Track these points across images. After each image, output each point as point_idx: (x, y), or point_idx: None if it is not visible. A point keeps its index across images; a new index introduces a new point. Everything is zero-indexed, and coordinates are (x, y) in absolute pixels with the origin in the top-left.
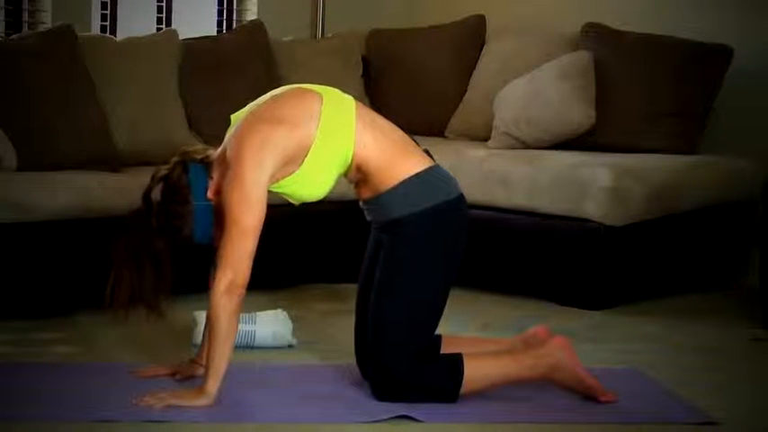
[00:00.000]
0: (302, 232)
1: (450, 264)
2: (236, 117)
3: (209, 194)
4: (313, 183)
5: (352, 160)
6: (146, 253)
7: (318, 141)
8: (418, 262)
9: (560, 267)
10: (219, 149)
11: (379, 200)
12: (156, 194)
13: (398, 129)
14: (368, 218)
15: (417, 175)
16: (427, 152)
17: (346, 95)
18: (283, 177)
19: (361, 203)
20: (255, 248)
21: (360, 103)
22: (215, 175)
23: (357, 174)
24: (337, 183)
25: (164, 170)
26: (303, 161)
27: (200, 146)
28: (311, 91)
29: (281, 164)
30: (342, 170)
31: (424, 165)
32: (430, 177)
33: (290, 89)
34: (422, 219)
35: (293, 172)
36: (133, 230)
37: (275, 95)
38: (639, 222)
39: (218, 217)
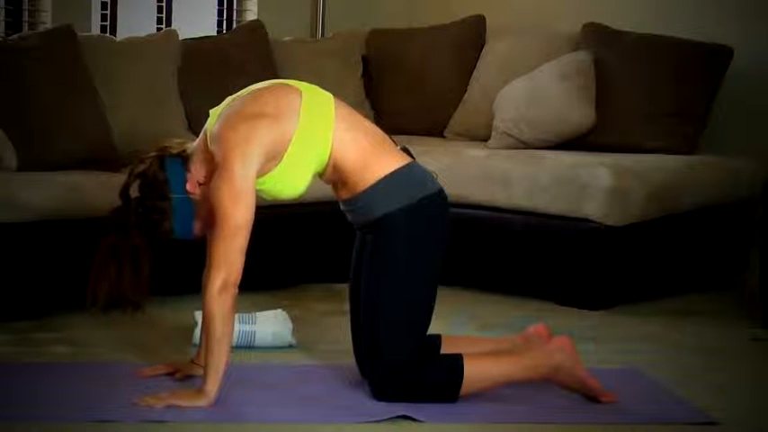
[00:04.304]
0: (302, 232)
1: (436, 258)
2: (215, 112)
3: (188, 188)
4: (291, 180)
5: (329, 158)
6: (124, 250)
7: (298, 137)
8: (404, 259)
9: (560, 267)
10: (197, 142)
11: (358, 200)
12: (134, 191)
13: (376, 126)
14: (349, 219)
15: (395, 172)
16: (406, 150)
17: (325, 92)
18: (263, 174)
19: (341, 206)
20: (247, 245)
21: (338, 100)
22: (193, 168)
23: (333, 174)
24: (313, 183)
25: (140, 166)
26: (282, 158)
27: (176, 140)
28: (291, 86)
29: (264, 158)
30: (319, 168)
31: (402, 162)
32: (407, 174)
33: (270, 84)
34: (403, 216)
35: (272, 169)
36: (112, 228)
37: (255, 90)
38: (639, 222)
39: (199, 212)
